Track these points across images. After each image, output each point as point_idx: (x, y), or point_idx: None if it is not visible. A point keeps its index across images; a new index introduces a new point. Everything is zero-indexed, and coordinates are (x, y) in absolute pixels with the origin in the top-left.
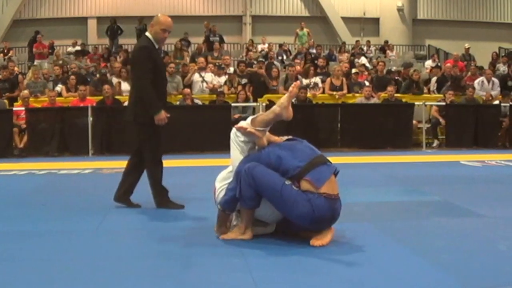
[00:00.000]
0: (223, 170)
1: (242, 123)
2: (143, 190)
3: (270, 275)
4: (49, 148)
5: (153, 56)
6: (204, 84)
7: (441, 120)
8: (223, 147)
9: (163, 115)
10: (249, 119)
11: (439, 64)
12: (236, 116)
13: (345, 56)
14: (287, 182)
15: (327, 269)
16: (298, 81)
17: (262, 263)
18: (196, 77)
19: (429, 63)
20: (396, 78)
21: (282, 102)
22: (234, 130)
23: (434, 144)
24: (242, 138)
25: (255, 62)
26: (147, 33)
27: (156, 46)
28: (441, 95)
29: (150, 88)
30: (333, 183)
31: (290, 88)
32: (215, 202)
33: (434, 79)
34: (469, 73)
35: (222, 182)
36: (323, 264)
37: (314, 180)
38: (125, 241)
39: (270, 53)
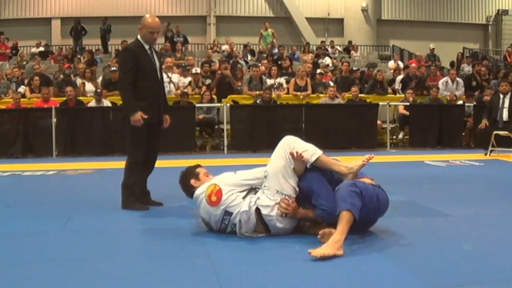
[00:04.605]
0: (228, 173)
1: (305, 152)
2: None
3: (235, 276)
4: (13, 149)
5: (136, 57)
6: (172, 85)
7: (407, 114)
8: (187, 148)
9: (137, 116)
10: (317, 153)
11: (400, 64)
12: (201, 117)
13: (309, 57)
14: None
15: (292, 268)
16: (372, 155)
17: (227, 263)
18: (164, 77)
19: (391, 63)
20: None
21: (352, 168)
22: (289, 143)
23: (400, 136)
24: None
25: (214, 61)
26: (138, 35)
27: (146, 47)
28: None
29: (127, 88)
30: None
31: (365, 158)
32: (215, 205)
33: (398, 78)
34: (432, 74)
35: (231, 187)
36: (288, 263)
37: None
38: (89, 243)
39: (229, 54)
